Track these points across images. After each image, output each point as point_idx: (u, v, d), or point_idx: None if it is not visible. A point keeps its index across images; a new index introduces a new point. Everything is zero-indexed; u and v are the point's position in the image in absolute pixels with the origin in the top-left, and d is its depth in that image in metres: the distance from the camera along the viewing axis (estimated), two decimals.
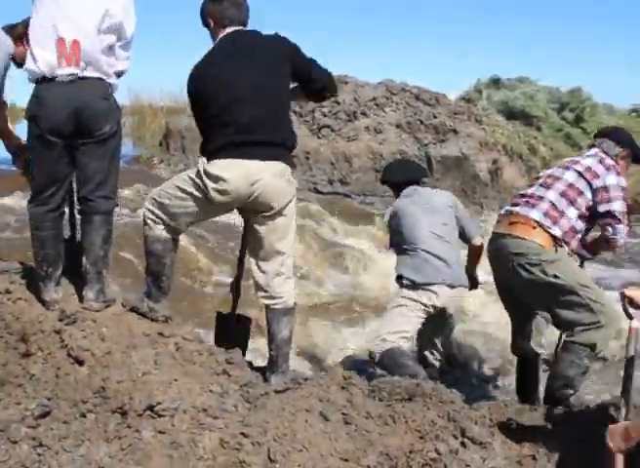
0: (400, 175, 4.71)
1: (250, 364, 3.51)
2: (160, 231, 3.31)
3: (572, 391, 3.79)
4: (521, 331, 4.26)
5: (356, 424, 2.94)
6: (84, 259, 3.33)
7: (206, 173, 3.14)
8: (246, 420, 2.82)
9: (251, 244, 3.34)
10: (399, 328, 4.17)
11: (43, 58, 3.09)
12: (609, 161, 3.96)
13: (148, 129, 16.87)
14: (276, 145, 3.20)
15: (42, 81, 3.13)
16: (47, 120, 3.10)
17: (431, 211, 4.45)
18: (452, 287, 4.25)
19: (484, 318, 6.60)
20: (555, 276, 3.76)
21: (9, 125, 3.75)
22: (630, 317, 2.73)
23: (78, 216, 3.41)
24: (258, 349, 4.50)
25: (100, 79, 3.19)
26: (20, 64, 3.57)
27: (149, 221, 3.32)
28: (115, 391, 2.81)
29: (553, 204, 3.87)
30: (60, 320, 3.14)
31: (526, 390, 4.28)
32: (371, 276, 7.90)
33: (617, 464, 2.43)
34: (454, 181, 12.00)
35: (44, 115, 3.10)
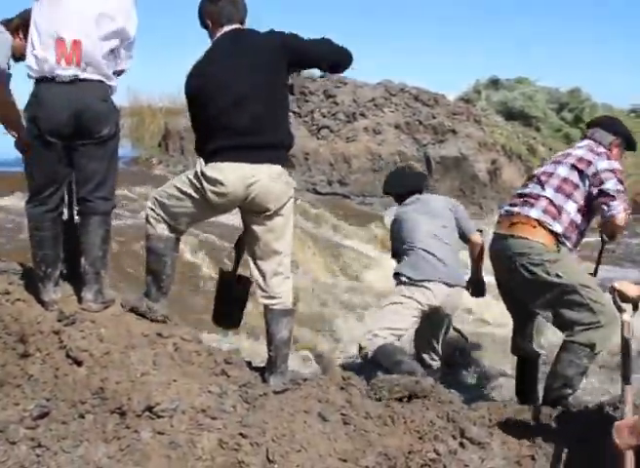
0: (402, 187, 4.78)
1: (249, 364, 3.51)
2: (162, 230, 3.32)
3: (570, 391, 3.79)
4: (521, 331, 4.26)
5: (355, 425, 2.94)
6: (82, 260, 3.32)
7: (203, 175, 3.16)
8: (245, 421, 2.82)
9: (249, 244, 3.34)
10: (392, 325, 4.17)
11: (43, 57, 3.10)
12: (599, 148, 3.96)
13: (147, 130, 16.88)
14: (273, 147, 3.21)
15: (42, 80, 3.13)
16: (47, 121, 3.10)
17: (431, 215, 4.49)
18: (448, 285, 4.26)
19: (483, 318, 6.61)
20: (557, 275, 3.77)
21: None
22: (621, 310, 2.73)
23: (77, 217, 3.41)
24: (256, 349, 4.50)
25: (100, 81, 3.19)
26: (18, 58, 3.57)
27: (152, 220, 3.34)
28: (114, 392, 2.81)
29: (551, 200, 3.87)
30: (59, 321, 3.14)
31: (525, 390, 4.28)
32: (370, 276, 7.91)
33: (627, 462, 2.36)
34: (453, 182, 12.01)
35: (44, 116, 3.10)
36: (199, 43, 3.39)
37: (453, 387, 3.63)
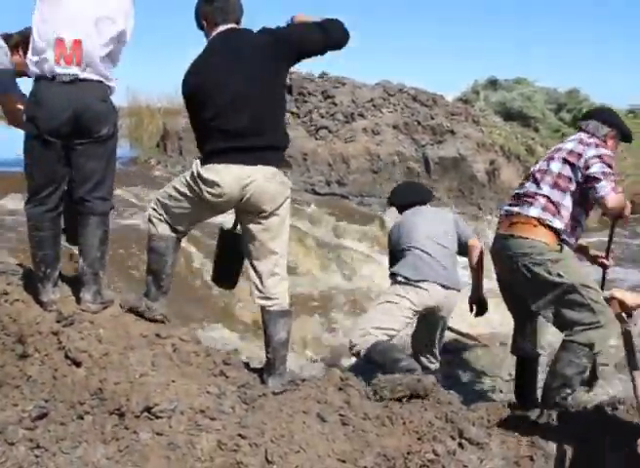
0: (406, 198, 4.83)
1: (247, 365, 3.51)
2: (163, 229, 3.36)
3: (569, 390, 3.79)
4: (522, 331, 4.26)
5: (354, 425, 2.94)
6: (80, 261, 3.33)
7: (200, 176, 3.18)
8: (243, 421, 2.82)
9: (245, 244, 3.35)
10: (384, 325, 4.17)
11: (42, 57, 3.10)
12: (589, 139, 3.95)
13: (146, 130, 16.83)
14: (270, 149, 3.22)
15: (41, 80, 3.13)
16: (46, 121, 3.10)
17: (432, 220, 4.52)
18: (445, 287, 4.27)
19: (482, 319, 6.60)
20: (559, 275, 3.77)
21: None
22: (623, 321, 2.72)
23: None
24: (255, 350, 4.50)
25: (100, 81, 3.19)
26: (16, 74, 3.58)
27: (153, 220, 3.38)
28: (112, 392, 2.81)
29: (548, 197, 3.88)
30: (58, 321, 3.14)
31: (524, 391, 4.28)
32: (368, 277, 7.90)
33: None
34: (451, 182, 12.00)
35: (43, 116, 3.10)
36: (198, 43, 3.40)
37: (451, 388, 3.62)
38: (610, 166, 3.79)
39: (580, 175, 3.84)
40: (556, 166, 3.93)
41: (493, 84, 17.49)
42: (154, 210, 3.38)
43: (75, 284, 3.41)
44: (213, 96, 3.17)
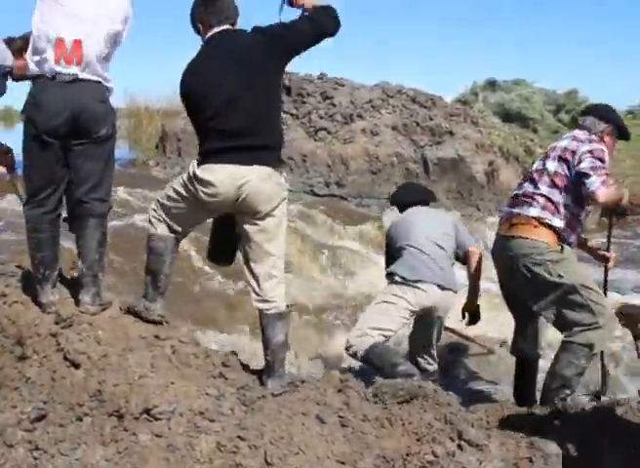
0: (407, 197, 4.84)
1: (246, 366, 3.51)
2: (162, 230, 3.37)
3: (569, 391, 3.80)
4: (522, 332, 4.27)
5: (353, 427, 2.94)
6: (79, 263, 3.33)
7: (195, 176, 3.19)
8: (242, 423, 2.81)
9: (242, 247, 3.34)
10: (381, 325, 4.17)
11: (42, 57, 3.10)
12: (584, 136, 3.95)
13: (144, 131, 16.86)
14: (266, 149, 3.21)
15: (40, 81, 3.13)
16: (44, 122, 3.10)
17: (432, 221, 4.52)
18: (441, 288, 4.27)
19: (482, 320, 6.59)
20: (559, 276, 3.78)
21: None
22: (637, 337, 2.66)
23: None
24: (254, 352, 4.50)
25: (98, 82, 3.19)
26: (17, 78, 3.58)
27: (153, 220, 3.39)
28: (111, 394, 2.81)
29: (547, 197, 3.88)
30: (57, 323, 3.14)
31: (523, 392, 4.29)
32: (367, 278, 7.90)
33: None
34: (450, 183, 12.00)
35: (41, 117, 3.10)
36: (196, 45, 3.41)
37: (450, 389, 3.62)
38: (601, 160, 3.78)
39: (573, 171, 3.84)
40: (552, 164, 3.93)
41: (491, 85, 17.52)
42: (154, 210, 3.40)
43: (74, 286, 3.41)
44: (208, 96, 3.18)
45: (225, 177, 3.14)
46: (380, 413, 3.05)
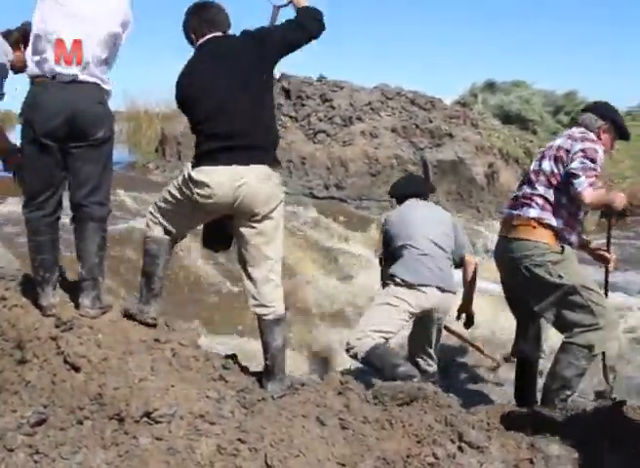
0: (405, 189, 4.80)
1: (246, 369, 3.51)
2: (157, 232, 3.37)
3: (569, 392, 3.80)
4: (524, 333, 4.27)
5: (353, 429, 2.93)
6: (79, 267, 3.32)
7: (191, 179, 3.18)
8: (243, 426, 2.81)
9: (239, 251, 3.33)
10: (382, 327, 4.16)
11: (42, 57, 3.11)
12: (579, 134, 3.94)
13: (144, 135, 16.86)
14: (260, 148, 3.21)
15: (39, 82, 3.14)
16: (42, 124, 3.10)
17: (431, 221, 4.50)
18: (442, 290, 4.27)
19: (482, 322, 6.60)
20: (559, 276, 3.78)
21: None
22: None
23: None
24: (253, 354, 4.49)
25: (96, 84, 3.19)
26: (17, 70, 3.60)
27: (150, 222, 3.40)
28: (112, 397, 2.81)
29: (545, 197, 3.89)
30: (57, 326, 3.13)
31: (524, 393, 4.29)
32: (367, 280, 7.89)
33: None
34: (450, 185, 12.01)
35: (39, 119, 3.10)
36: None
37: (450, 391, 3.62)
38: (592, 160, 3.76)
39: (564, 171, 3.84)
40: (547, 164, 3.93)
41: (490, 86, 17.52)
42: (151, 213, 3.40)
43: (74, 289, 3.41)
44: (201, 100, 3.20)
45: (223, 179, 3.13)
46: (380, 415, 3.05)
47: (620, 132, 4.12)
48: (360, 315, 6.56)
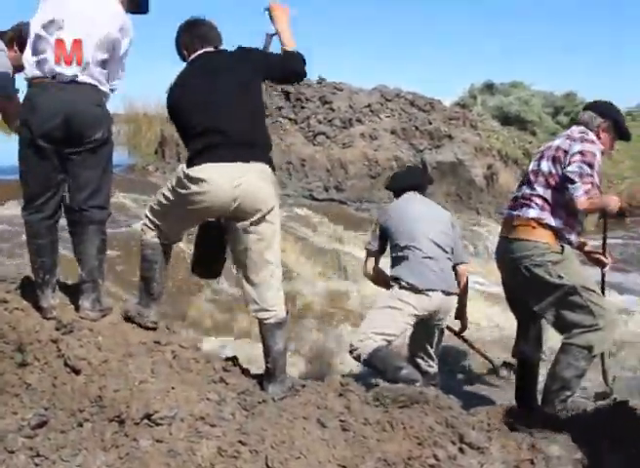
0: (401, 181, 4.77)
1: (247, 371, 3.50)
2: (152, 237, 3.34)
3: (569, 393, 3.80)
4: (524, 334, 4.27)
5: (354, 431, 2.93)
6: (79, 269, 3.32)
7: (186, 176, 3.12)
8: (243, 428, 2.81)
9: (238, 257, 3.31)
10: (385, 330, 4.15)
11: (43, 57, 3.11)
12: (578, 134, 3.93)
13: (144, 137, 16.87)
14: (255, 146, 3.21)
15: (37, 83, 3.14)
16: (39, 125, 3.09)
17: (430, 217, 4.48)
18: (445, 293, 4.28)
19: (482, 323, 6.61)
20: (559, 277, 3.78)
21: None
22: None
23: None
24: (254, 357, 4.50)
25: (94, 85, 3.19)
26: (14, 69, 3.61)
27: (144, 227, 3.37)
28: (112, 400, 2.81)
29: (544, 197, 3.88)
30: (57, 329, 3.13)
31: (524, 394, 4.28)
32: (367, 282, 7.90)
33: None
34: (449, 187, 12.03)
35: (36, 120, 3.10)
36: None
37: (451, 391, 3.62)
38: (590, 165, 3.74)
39: (561, 173, 3.84)
40: (546, 165, 3.93)
41: (489, 88, 17.55)
42: (146, 217, 3.37)
43: (74, 292, 3.41)
44: (193, 114, 3.21)
45: (219, 175, 3.09)
46: (381, 417, 3.05)
47: (620, 132, 4.11)
48: (361, 317, 6.59)
